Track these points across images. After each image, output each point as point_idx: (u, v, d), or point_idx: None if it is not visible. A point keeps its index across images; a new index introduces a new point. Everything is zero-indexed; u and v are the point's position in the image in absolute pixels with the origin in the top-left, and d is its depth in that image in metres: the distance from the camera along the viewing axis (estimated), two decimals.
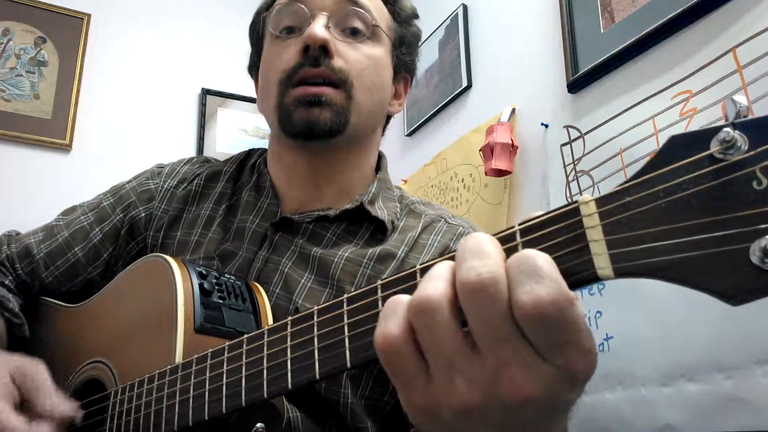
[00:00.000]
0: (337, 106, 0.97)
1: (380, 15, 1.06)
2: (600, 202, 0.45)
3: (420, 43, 1.18)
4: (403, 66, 1.13)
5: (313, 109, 0.97)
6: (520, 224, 0.48)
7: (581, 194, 1.76)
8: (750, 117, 0.40)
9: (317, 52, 0.97)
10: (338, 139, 1.00)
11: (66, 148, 2.79)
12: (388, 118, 1.16)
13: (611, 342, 1.62)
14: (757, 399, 1.27)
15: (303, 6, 1.00)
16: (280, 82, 1.00)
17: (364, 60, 1.01)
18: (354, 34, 1.02)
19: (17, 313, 1.03)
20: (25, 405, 0.81)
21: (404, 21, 1.12)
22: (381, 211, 1.04)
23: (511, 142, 2.07)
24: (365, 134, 1.06)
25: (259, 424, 0.73)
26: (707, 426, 1.35)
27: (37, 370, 0.84)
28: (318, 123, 0.97)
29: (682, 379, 1.42)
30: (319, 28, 0.97)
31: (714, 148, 0.40)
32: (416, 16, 1.16)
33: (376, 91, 1.04)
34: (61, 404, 0.81)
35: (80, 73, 2.87)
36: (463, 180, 2.40)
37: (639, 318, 1.54)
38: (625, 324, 1.58)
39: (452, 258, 0.49)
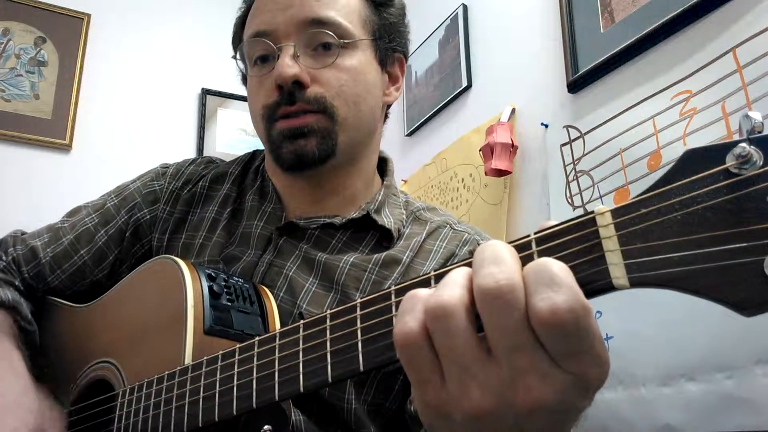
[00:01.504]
0: (321, 130, 0.97)
1: (351, 16, 1.02)
2: (616, 212, 0.46)
3: (405, 17, 1.13)
4: (391, 51, 1.10)
5: (298, 141, 0.97)
6: (535, 233, 0.49)
7: (581, 194, 1.77)
8: (766, 133, 0.40)
9: (290, 88, 0.96)
10: (333, 161, 1.00)
11: (66, 148, 2.79)
12: (389, 106, 1.14)
13: (611, 342, 1.62)
14: (757, 399, 1.27)
15: (267, 40, 0.99)
16: (263, 117, 1.00)
17: (341, 76, 0.98)
18: (326, 48, 0.99)
19: (30, 320, 1.03)
20: None
21: (382, 4, 1.08)
22: (387, 219, 1.04)
23: (511, 142, 2.08)
24: (360, 144, 1.05)
25: (266, 426, 0.73)
26: (707, 426, 1.36)
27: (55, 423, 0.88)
28: (305, 153, 0.97)
29: (682, 379, 1.43)
30: (286, 64, 0.95)
31: (729, 162, 0.41)
32: None
33: (362, 100, 1.01)
34: None
35: (80, 73, 2.87)
36: (463, 180, 2.41)
37: (639, 318, 1.55)
38: (625, 324, 1.58)
39: (468, 265, 0.49)
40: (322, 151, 0.97)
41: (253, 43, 1.02)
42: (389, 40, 1.08)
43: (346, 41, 0.99)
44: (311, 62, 0.98)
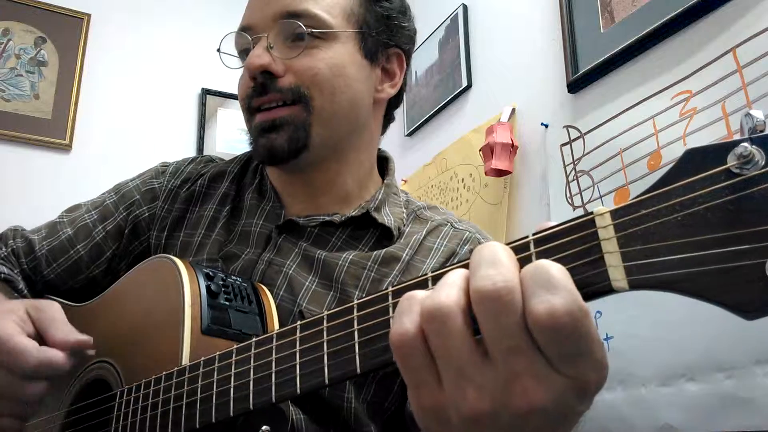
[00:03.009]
0: (294, 123, 0.96)
1: (332, 9, 0.99)
2: (615, 214, 0.45)
3: (408, 11, 1.10)
4: (382, 45, 1.06)
5: (269, 135, 0.97)
6: (534, 234, 0.49)
7: (581, 194, 1.77)
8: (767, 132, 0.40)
9: (262, 79, 0.96)
10: (307, 155, 0.99)
11: (66, 148, 2.79)
12: (390, 105, 1.12)
13: (611, 342, 1.62)
14: (757, 399, 1.27)
15: (244, 33, 1.00)
16: (243, 109, 1.01)
17: (316, 65, 0.97)
18: (301, 38, 0.97)
19: (26, 295, 1.04)
20: (40, 336, 0.85)
21: None
22: (387, 217, 1.03)
23: (511, 142, 2.08)
24: (343, 140, 1.03)
25: (264, 427, 0.73)
26: (707, 426, 1.36)
27: (51, 306, 0.88)
28: (275, 147, 0.96)
29: (682, 379, 1.43)
30: (255, 54, 0.95)
31: (731, 162, 0.40)
32: None
33: (339, 92, 0.99)
34: (71, 333, 0.85)
35: (80, 73, 2.87)
36: (463, 180, 2.41)
37: (639, 318, 1.55)
38: (625, 324, 1.58)
39: (465, 266, 0.49)
40: (292, 144, 0.97)
41: (236, 38, 1.03)
42: (379, 33, 1.04)
43: (322, 31, 0.98)
44: (286, 52, 0.97)
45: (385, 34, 1.05)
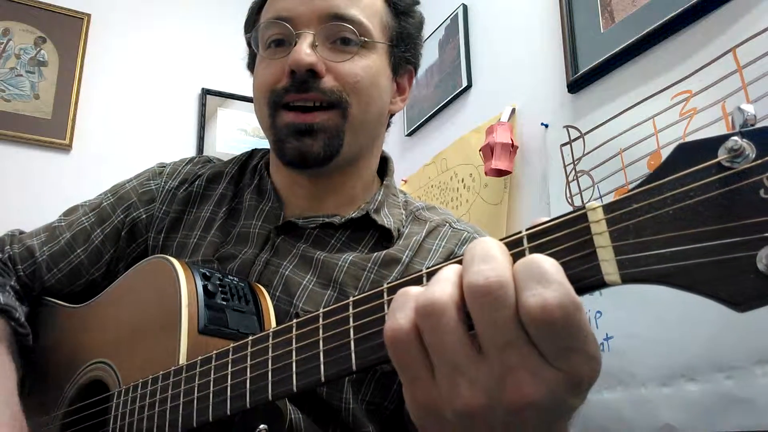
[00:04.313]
0: (330, 129, 0.95)
1: (372, 18, 1.01)
2: (607, 208, 0.45)
3: (423, 30, 1.13)
4: (404, 61, 1.08)
5: (305, 139, 0.95)
6: (527, 230, 0.49)
7: (581, 194, 1.76)
8: (757, 126, 0.40)
9: (304, 76, 0.94)
10: (336, 161, 0.98)
11: (66, 148, 2.79)
12: (391, 115, 1.13)
13: (611, 342, 1.62)
14: (757, 399, 1.27)
15: (287, 25, 0.97)
16: (268, 102, 0.98)
17: (358, 72, 0.97)
18: (345, 43, 0.97)
19: (23, 323, 1.02)
20: None
21: (404, 12, 1.07)
22: (387, 218, 1.03)
23: (511, 142, 2.08)
24: (364, 147, 1.04)
25: (262, 425, 0.73)
26: (707, 426, 1.36)
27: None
28: (310, 153, 0.95)
29: (682, 379, 1.42)
30: (303, 51, 0.93)
31: (722, 156, 0.41)
32: (417, 2, 1.11)
33: (373, 102, 1.00)
34: None
35: (80, 73, 2.87)
36: (463, 180, 2.40)
37: (639, 318, 1.55)
38: (625, 324, 1.58)
39: (459, 262, 0.49)
40: (327, 152, 0.96)
41: (271, 26, 1.00)
42: (404, 50, 1.07)
43: (365, 40, 0.98)
44: (329, 55, 0.96)
45: (407, 51, 1.08)
